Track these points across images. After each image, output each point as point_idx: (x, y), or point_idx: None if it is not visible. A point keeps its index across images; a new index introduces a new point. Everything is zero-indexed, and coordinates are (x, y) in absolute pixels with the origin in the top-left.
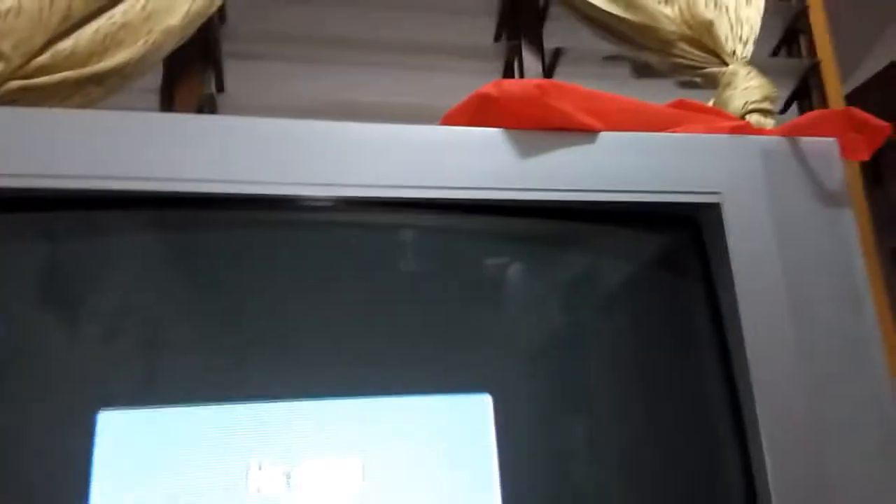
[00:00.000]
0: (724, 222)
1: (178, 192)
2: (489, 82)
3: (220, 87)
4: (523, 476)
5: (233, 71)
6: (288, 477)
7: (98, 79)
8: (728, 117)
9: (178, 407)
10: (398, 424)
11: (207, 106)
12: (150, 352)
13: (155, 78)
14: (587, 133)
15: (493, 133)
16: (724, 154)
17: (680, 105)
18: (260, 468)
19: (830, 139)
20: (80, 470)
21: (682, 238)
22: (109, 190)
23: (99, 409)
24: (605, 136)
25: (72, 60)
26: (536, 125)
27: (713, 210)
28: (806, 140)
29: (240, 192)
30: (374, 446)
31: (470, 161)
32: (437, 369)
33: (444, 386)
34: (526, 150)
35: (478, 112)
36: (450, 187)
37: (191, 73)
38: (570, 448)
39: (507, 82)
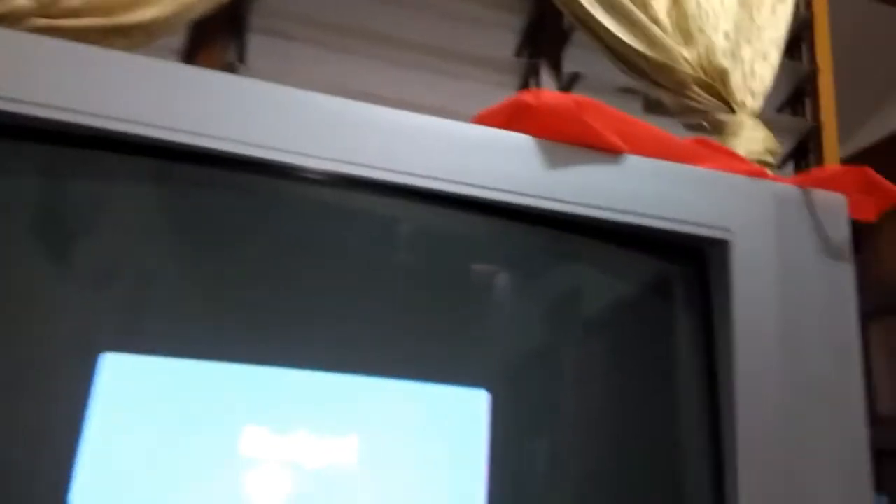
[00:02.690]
0: (731, 260)
1: (200, 147)
2: (504, 95)
3: (242, 59)
4: (510, 473)
5: (256, 45)
6: (281, 445)
7: (124, 31)
8: (744, 161)
9: (183, 359)
10: (395, 407)
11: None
12: (162, 302)
13: (179, 39)
14: (613, 154)
15: (522, 139)
16: (739, 194)
17: (700, 142)
18: (254, 433)
19: (841, 196)
20: (77, 410)
21: (686, 268)
22: (127, 133)
23: (103, 351)
24: (629, 160)
25: (100, 8)
26: (566, 139)
27: (722, 246)
28: (817, 193)
29: (261, 156)
30: (368, 426)
31: (495, 163)
32: (439, 359)
33: (443, 376)
34: (553, 161)
35: (512, 117)
36: (471, 184)
37: (214, 39)
38: (555, 451)
39: (546, 93)
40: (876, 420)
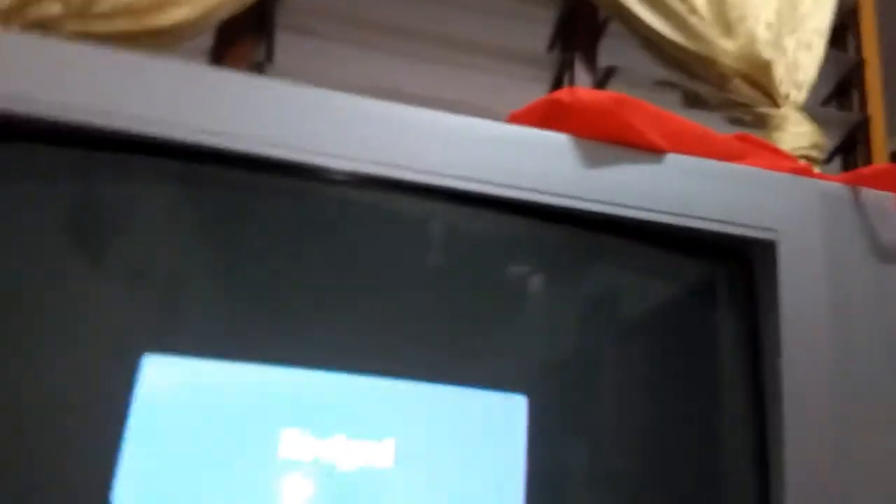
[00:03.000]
0: (779, 261)
1: (236, 151)
2: (537, 90)
3: (270, 58)
4: (549, 478)
5: (283, 43)
6: (319, 449)
7: (154, 34)
8: (788, 157)
9: (226, 361)
10: (434, 412)
11: (255, 74)
12: (204, 304)
13: (206, 40)
14: (653, 152)
15: (559, 139)
16: (785, 193)
17: (742, 138)
18: (293, 436)
19: (890, 194)
20: (119, 410)
21: (731, 270)
22: (161, 137)
23: (145, 352)
24: (670, 158)
25: (131, 11)
26: (603, 137)
27: (768, 247)
28: (866, 191)
29: (296, 158)
30: (407, 430)
31: (532, 163)
32: (478, 364)
33: (482, 381)
34: (590, 161)
35: (547, 116)
36: (508, 185)
37: (243, 39)
38: (595, 458)
39: (582, 91)
40: None
